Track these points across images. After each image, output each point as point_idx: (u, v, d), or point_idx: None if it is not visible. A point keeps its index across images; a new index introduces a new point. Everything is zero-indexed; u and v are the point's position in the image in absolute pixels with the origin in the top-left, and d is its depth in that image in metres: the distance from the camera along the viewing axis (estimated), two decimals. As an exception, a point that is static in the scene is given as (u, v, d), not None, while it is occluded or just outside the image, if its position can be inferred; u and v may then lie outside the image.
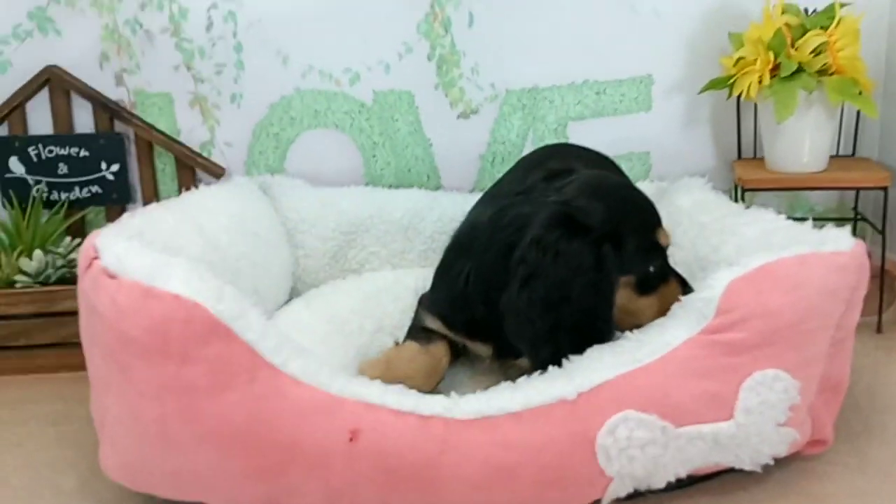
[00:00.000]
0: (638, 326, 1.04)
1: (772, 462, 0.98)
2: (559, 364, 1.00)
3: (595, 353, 0.98)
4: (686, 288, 1.11)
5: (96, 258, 0.91)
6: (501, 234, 1.06)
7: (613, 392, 0.91)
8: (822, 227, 1.08)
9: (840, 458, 1.08)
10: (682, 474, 0.94)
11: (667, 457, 0.91)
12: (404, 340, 1.19)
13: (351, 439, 0.88)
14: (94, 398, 0.97)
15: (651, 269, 1.08)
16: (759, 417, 0.92)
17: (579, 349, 1.00)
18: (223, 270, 0.99)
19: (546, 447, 0.90)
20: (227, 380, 0.86)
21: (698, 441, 0.92)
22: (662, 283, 1.10)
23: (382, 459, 0.88)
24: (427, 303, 1.23)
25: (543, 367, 1.00)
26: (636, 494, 0.96)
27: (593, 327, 1.02)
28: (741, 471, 0.99)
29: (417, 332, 1.20)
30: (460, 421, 0.90)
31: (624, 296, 1.06)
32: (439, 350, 1.15)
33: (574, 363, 0.98)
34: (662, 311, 1.05)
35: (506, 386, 0.96)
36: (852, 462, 1.08)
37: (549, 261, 1.00)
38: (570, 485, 0.91)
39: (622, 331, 1.05)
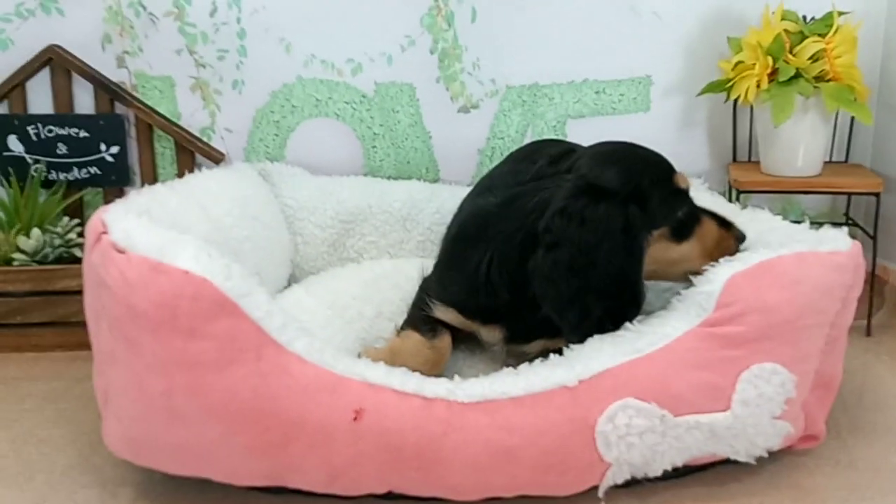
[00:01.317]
0: (695, 273, 1.05)
1: (766, 454, 1.00)
2: (592, 332, 1.01)
3: (595, 342, 1.00)
4: (728, 224, 1.14)
5: (105, 233, 0.91)
6: (526, 220, 1.07)
7: (614, 380, 0.93)
8: (817, 229, 1.10)
9: (831, 453, 1.11)
10: (679, 463, 0.96)
11: (664, 445, 0.93)
12: (404, 327, 1.19)
13: (355, 418, 0.89)
14: (98, 372, 0.97)
15: (679, 214, 1.10)
16: (756, 409, 0.94)
17: (613, 317, 1.02)
18: (227, 252, 0.99)
19: (546, 432, 0.91)
20: (234, 356, 0.87)
21: (696, 431, 0.93)
22: (696, 225, 1.12)
23: (385, 439, 0.89)
24: (437, 293, 1.21)
25: (575, 334, 1.02)
26: (633, 482, 0.97)
27: (623, 291, 1.03)
28: (735, 463, 1.01)
29: (421, 322, 1.19)
30: (463, 403, 0.91)
31: (662, 248, 1.09)
32: (444, 344, 1.16)
33: (574, 352, 0.99)
34: (710, 252, 1.09)
35: (508, 371, 0.97)
36: (843, 458, 1.10)
37: (575, 227, 1.01)
38: (569, 469, 0.92)
39: (678, 281, 1.10)
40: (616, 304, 1.03)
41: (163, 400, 0.87)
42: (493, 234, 1.11)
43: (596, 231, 1.01)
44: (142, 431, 0.90)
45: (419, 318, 1.20)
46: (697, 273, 1.05)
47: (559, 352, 1.02)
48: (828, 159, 1.65)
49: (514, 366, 1.00)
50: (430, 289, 1.23)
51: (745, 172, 1.61)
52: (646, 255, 1.06)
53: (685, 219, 1.11)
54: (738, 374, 0.94)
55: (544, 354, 1.04)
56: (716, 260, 1.06)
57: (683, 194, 1.13)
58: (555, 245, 1.02)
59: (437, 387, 0.93)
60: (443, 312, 1.18)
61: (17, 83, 1.64)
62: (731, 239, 1.13)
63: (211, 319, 0.86)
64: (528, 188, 1.11)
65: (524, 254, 1.06)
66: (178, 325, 0.85)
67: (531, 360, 1.03)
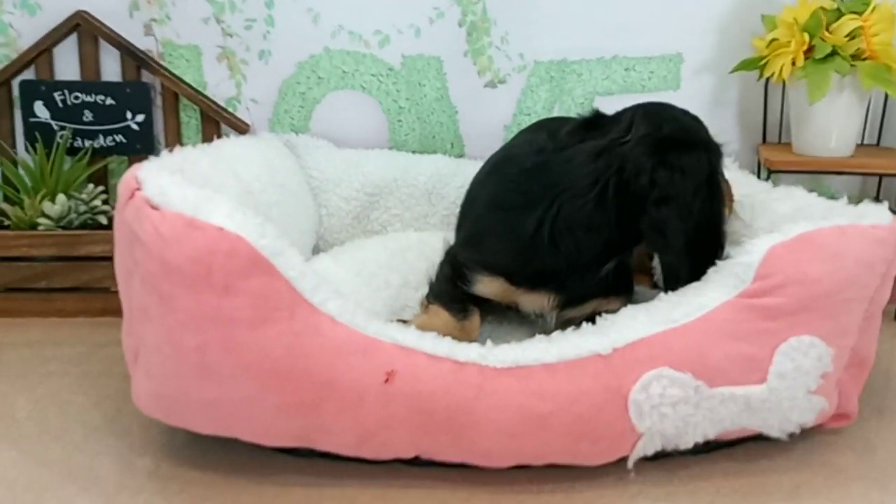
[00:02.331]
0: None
1: (798, 430, 0.99)
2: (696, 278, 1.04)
3: (630, 311, 0.99)
4: None
5: (139, 189, 0.91)
6: (599, 176, 1.08)
7: (648, 349, 0.92)
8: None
9: (861, 433, 1.09)
10: (711, 435, 0.95)
11: (697, 416, 0.92)
12: (431, 301, 1.17)
13: (386, 380, 0.89)
14: (128, 331, 0.97)
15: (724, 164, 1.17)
16: (792, 383, 0.93)
17: (709, 263, 1.05)
18: (257, 214, 0.98)
19: (579, 399, 0.90)
20: (268, 314, 0.87)
21: (730, 403, 0.92)
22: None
23: (417, 402, 0.89)
24: (480, 262, 1.15)
25: (687, 283, 1.04)
26: (662, 455, 0.96)
27: (720, 236, 1.10)
28: (765, 440, 1.00)
29: (450, 299, 1.16)
30: (495, 369, 0.90)
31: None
32: (474, 325, 1.14)
33: (608, 321, 0.98)
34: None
35: (540, 338, 0.96)
36: (874, 439, 1.08)
37: (679, 178, 1.06)
38: (601, 438, 0.91)
39: None
40: (715, 249, 1.08)
41: (196, 356, 0.86)
42: (550, 195, 1.10)
43: (696, 179, 1.06)
44: (173, 388, 0.90)
45: (448, 295, 1.17)
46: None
47: (592, 320, 1.01)
48: (860, 142, 1.63)
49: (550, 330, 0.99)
50: (468, 260, 1.16)
51: (776, 152, 1.59)
52: None
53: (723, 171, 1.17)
54: (775, 346, 0.92)
55: (591, 319, 1.03)
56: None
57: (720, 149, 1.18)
58: (666, 198, 1.05)
59: (469, 351, 0.92)
60: (486, 284, 1.15)
61: (45, 49, 1.63)
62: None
63: (245, 276, 0.86)
64: (582, 147, 1.12)
65: (599, 210, 1.08)
66: (213, 281, 0.85)
67: (577, 324, 1.03)
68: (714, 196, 1.09)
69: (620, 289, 1.17)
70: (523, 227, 1.11)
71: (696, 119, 1.19)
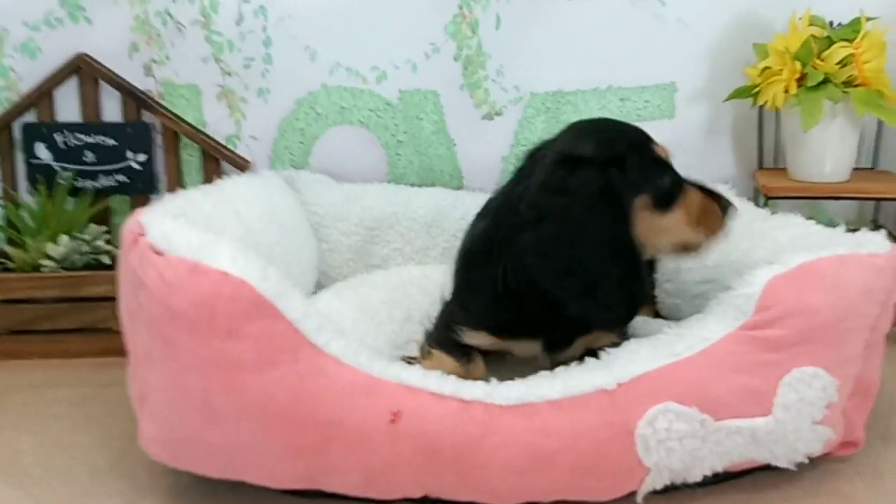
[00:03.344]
0: (691, 248, 1.10)
1: (806, 461, 0.99)
2: (612, 306, 1.00)
3: (633, 345, 0.99)
4: (716, 194, 1.12)
5: (142, 234, 0.91)
6: (520, 216, 1.03)
7: (653, 384, 0.92)
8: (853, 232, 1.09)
9: (869, 461, 1.09)
10: (719, 468, 0.95)
11: (704, 450, 0.92)
12: (433, 346, 1.14)
13: (392, 421, 0.89)
14: (134, 374, 0.97)
15: (660, 181, 1.05)
16: (797, 414, 0.93)
17: (626, 286, 1.00)
18: (259, 255, 0.99)
19: (584, 435, 0.90)
20: (272, 356, 0.87)
21: (736, 435, 0.92)
22: (680, 193, 1.08)
23: (423, 441, 0.89)
24: (462, 319, 1.14)
25: (584, 307, 1.00)
26: (671, 488, 0.96)
27: (620, 257, 1.00)
28: (773, 469, 1.00)
29: (451, 346, 1.13)
30: (500, 406, 0.90)
31: (647, 218, 1.05)
32: (478, 370, 1.11)
33: (612, 356, 0.98)
34: (697, 221, 1.08)
35: (544, 374, 0.97)
36: (882, 466, 1.08)
37: (558, 197, 0.99)
38: (608, 474, 0.91)
39: (676, 255, 1.12)
40: (618, 272, 1.00)
41: (200, 400, 0.87)
42: (498, 245, 1.08)
43: (580, 197, 0.99)
44: (179, 432, 0.90)
45: (447, 341, 1.14)
46: (694, 247, 1.09)
47: (594, 354, 1.01)
48: (855, 166, 1.64)
49: (550, 369, 0.99)
50: (454, 315, 1.16)
51: (772, 178, 1.61)
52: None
53: (668, 187, 1.06)
54: (779, 378, 0.93)
55: (586, 355, 1.02)
56: (712, 232, 1.09)
57: (663, 163, 1.08)
58: (539, 219, 0.99)
59: (474, 389, 0.92)
60: (472, 337, 1.13)
61: (45, 91, 1.65)
62: (716, 207, 1.10)
63: (248, 320, 0.86)
64: (513, 187, 1.10)
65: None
66: (216, 325, 0.85)
67: (580, 359, 1.02)
68: (612, 213, 1.00)
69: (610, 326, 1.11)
70: (488, 281, 1.08)
71: (622, 133, 1.10)
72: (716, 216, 1.10)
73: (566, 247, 0.99)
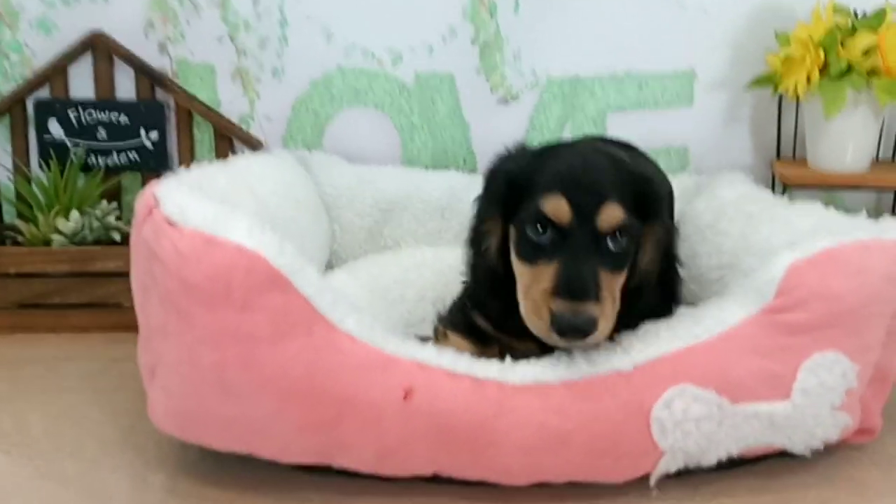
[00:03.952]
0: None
1: (822, 447, 0.98)
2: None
3: (651, 327, 0.98)
4: (576, 295, 0.89)
5: (156, 206, 0.90)
6: None
7: (670, 366, 0.91)
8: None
9: (885, 448, 1.08)
10: (735, 452, 0.94)
11: (721, 433, 0.91)
12: (449, 328, 1.12)
13: (405, 397, 0.88)
14: (145, 347, 0.96)
15: (528, 231, 0.94)
16: (816, 399, 0.92)
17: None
18: (273, 230, 0.98)
19: (600, 416, 0.89)
20: (286, 330, 0.86)
21: (754, 419, 0.91)
22: (543, 260, 0.93)
23: (436, 419, 0.88)
24: (474, 303, 1.11)
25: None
26: (685, 472, 0.95)
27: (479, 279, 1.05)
28: (788, 455, 0.99)
29: (468, 329, 1.10)
30: (515, 386, 0.90)
31: (512, 251, 0.99)
32: (494, 353, 1.05)
33: (629, 338, 0.97)
34: (526, 295, 0.94)
35: (560, 355, 0.95)
36: (898, 454, 1.07)
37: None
38: (623, 455, 0.90)
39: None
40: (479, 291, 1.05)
41: (214, 373, 0.86)
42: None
43: (479, 200, 1.07)
44: (192, 405, 0.89)
45: (464, 325, 1.12)
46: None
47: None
48: (875, 157, 1.62)
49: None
50: (469, 296, 1.14)
51: (791, 168, 1.59)
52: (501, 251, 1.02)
53: (532, 241, 0.94)
54: (799, 362, 0.91)
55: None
56: (537, 325, 0.92)
57: (545, 219, 0.94)
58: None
59: (488, 368, 0.91)
60: (482, 321, 1.10)
61: (60, 68, 1.64)
62: (547, 306, 0.90)
63: (264, 293, 0.85)
64: None
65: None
66: (231, 298, 0.84)
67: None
68: (474, 230, 1.07)
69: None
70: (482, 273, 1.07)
71: (559, 160, 1.00)
72: (540, 312, 0.91)
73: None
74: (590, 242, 0.92)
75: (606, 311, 0.91)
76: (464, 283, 1.17)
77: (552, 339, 0.91)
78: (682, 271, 1.15)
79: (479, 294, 1.10)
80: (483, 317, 1.10)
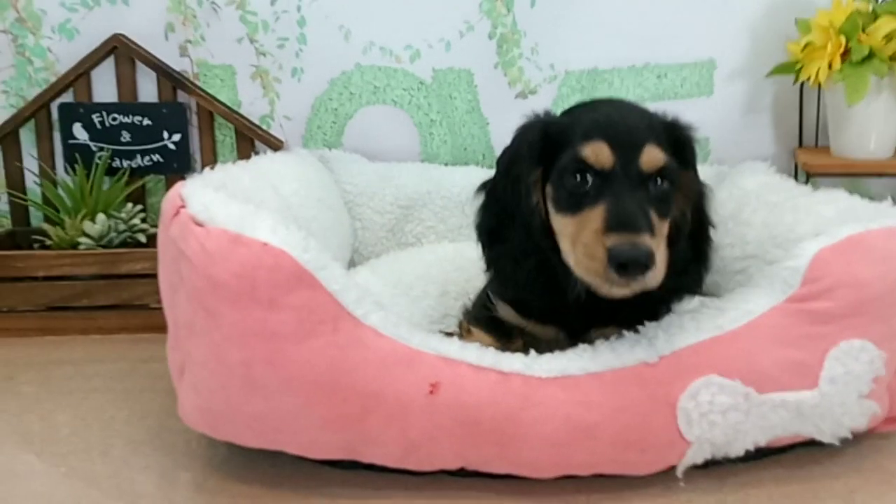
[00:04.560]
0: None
1: (850, 435, 0.97)
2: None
3: (676, 319, 0.97)
4: (625, 227, 0.86)
5: (183, 206, 0.92)
6: None
7: (696, 357, 0.91)
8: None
9: (915, 437, 1.07)
10: (762, 442, 0.93)
11: (748, 423, 0.90)
12: (472, 324, 1.11)
13: (431, 392, 0.88)
14: (173, 347, 0.98)
15: (568, 181, 0.92)
16: (844, 388, 0.91)
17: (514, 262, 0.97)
18: (299, 228, 0.99)
19: (626, 408, 0.89)
20: (312, 327, 0.87)
21: (781, 409, 0.91)
22: (587, 206, 0.90)
23: (462, 413, 0.88)
24: (495, 289, 1.10)
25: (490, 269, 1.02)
26: (711, 463, 0.95)
27: (524, 233, 0.96)
28: (815, 445, 0.98)
29: (490, 325, 1.09)
30: (540, 379, 0.90)
31: (551, 210, 0.96)
32: (517, 348, 1.04)
33: (654, 329, 0.97)
34: (574, 242, 0.90)
35: (585, 348, 0.95)
36: (928, 442, 1.06)
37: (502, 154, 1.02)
38: (650, 447, 0.90)
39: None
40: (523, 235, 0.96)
41: (242, 370, 0.87)
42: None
43: (509, 150, 1.01)
44: (220, 403, 0.90)
45: (488, 320, 1.10)
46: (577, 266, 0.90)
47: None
48: (899, 144, 1.61)
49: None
50: (490, 285, 1.12)
51: (814, 156, 1.58)
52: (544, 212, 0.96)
53: (573, 191, 0.91)
54: (825, 350, 0.91)
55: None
56: (592, 269, 0.86)
57: (586, 166, 0.91)
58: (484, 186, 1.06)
59: (513, 361, 0.91)
60: (502, 308, 1.09)
61: (83, 72, 1.67)
62: (601, 244, 0.86)
63: (289, 291, 0.86)
64: None
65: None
66: (258, 296, 0.85)
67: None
68: (514, 190, 0.96)
69: (633, 320, 0.98)
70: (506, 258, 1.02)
71: (596, 110, 0.99)
72: (595, 253, 0.86)
73: (486, 217, 1.02)
74: (634, 183, 0.90)
75: (661, 249, 0.87)
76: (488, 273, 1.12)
77: (609, 279, 0.85)
78: (713, 234, 1.10)
79: (512, 281, 1.02)
80: (506, 304, 1.08)
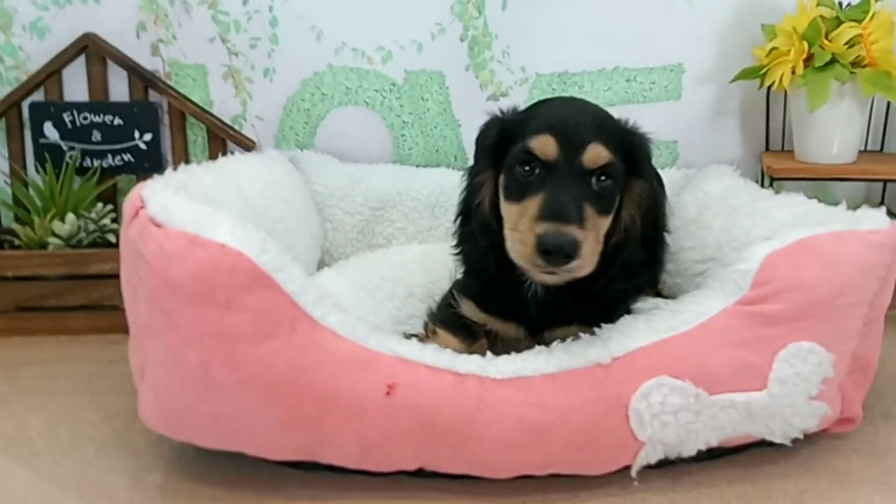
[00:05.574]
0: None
1: (801, 436, 0.99)
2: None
3: (629, 320, 0.99)
4: (557, 217, 0.91)
5: (143, 207, 0.92)
6: None
7: (648, 358, 0.92)
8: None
9: (866, 438, 1.09)
10: (714, 442, 0.95)
11: (699, 424, 0.92)
12: (437, 326, 1.13)
13: (388, 393, 0.89)
14: (135, 347, 0.98)
15: (516, 171, 0.98)
16: (793, 389, 0.93)
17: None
18: (259, 229, 1.00)
19: (580, 409, 0.91)
20: (270, 328, 0.88)
21: (731, 410, 0.92)
22: (530, 195, 0.95)
23: (418, 414, 0.89)
24: (460, 287, 1.15)
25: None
26: (665, 463, 0.97)
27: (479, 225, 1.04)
28: (769, 445, 1.00)
29: (455, 325, 1.12)
30: (496, 380, 0.91)
31: (501, 195, 1.02)
32: (481, 351, 1.02)
33: (608, 330, 0.98)
34: (513, 227, 0.96)
35: (540, 349, 0.97)
36: (879, 443, 1.08)
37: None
38: (602, 448, 0.92)
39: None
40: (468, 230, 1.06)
41: (199, 372, 0.88)
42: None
43: (475, 156, 1.09)
44: (178, 404, 0.91)
45: (452, 321, 1.13)
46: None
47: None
48: (863, 148, 1.63)
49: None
50: (455, 284, 1.18)
51: (778, 160, 1.60)
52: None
53: (521, 180, 0.97)
54: (774, 352, 0.93)
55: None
56: (524, 254, 0.92)
57: (532, 156, 0.97)
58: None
59: (469, 363, 0.93)
60: (465, 306, 1.13)
61: (54, 70, 1.66)
62: (532, 231, 0.91)
63: (247, 292, 0.87)
64: None
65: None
66: (215, 298, 0.86)
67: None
68: (470, 174, 1.09)
69: (592, 319, 1.02)
70: (472, 255, 1.10)
71: (549, 107, 1.05)
72: (525, 239, 0.92)
73: (463, 200, 1.10)
74: (575, 177, 0.95)
75: (589, 242, 0.92)
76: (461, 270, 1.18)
77: (537, 264, 0.91)
78: (667, 266, 1.15)
79: (469, 259, 1.11)
80: (469, 300, 1.12)
